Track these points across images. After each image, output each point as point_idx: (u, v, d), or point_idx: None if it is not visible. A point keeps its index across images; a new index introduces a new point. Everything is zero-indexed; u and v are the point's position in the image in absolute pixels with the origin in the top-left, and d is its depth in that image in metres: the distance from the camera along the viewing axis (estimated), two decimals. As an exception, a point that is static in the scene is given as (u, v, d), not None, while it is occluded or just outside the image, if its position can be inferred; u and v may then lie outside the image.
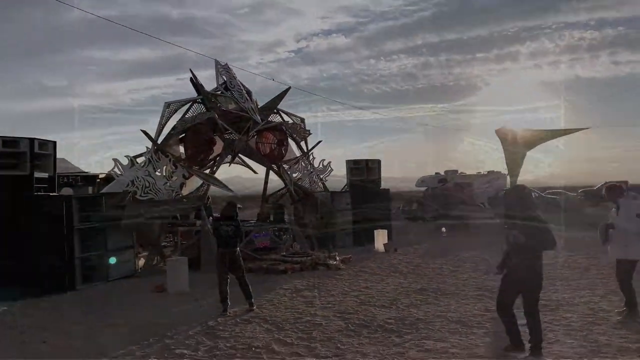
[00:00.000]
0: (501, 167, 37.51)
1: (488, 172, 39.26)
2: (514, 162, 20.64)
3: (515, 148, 20.32)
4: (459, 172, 40.30)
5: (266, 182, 15.74)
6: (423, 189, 35.33)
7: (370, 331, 6.59)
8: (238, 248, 8.01)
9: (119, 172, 11.49)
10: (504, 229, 5.51)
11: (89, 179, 12.84)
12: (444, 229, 18.65)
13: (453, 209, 24.26)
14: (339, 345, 6.03)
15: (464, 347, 5.79)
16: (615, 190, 7.14)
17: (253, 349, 5.95)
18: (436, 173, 39.66)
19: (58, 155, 11.42)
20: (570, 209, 28.23)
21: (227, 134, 13.61)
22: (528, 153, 20.59)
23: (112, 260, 10.72)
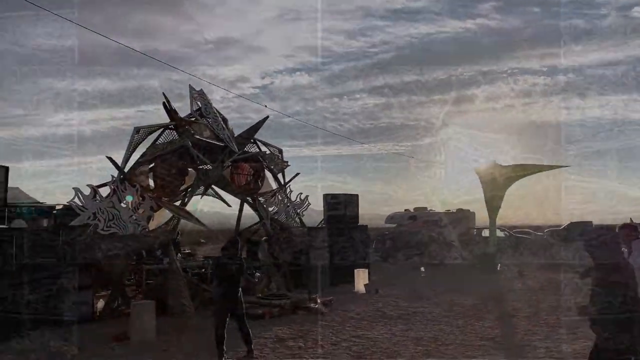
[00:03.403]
0: (469, 205, 37.45)
1: (457, 210, 39.16)
2: (493, 199, 20.53)
3: (495, 186, 20.22)
4: (428, 209, 39.98)
5: (239, 216, 14.73)
6: (392, 225, 34.73)
7: (376, 393, 5.67)
8: (240, 288, 7.33)
9: (79, 203, 10.32)
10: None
11: (45, 210, 11.58)
12: (422, 269, 17.93)
13: (425, 247, 23.74)
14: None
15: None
16: (631, 232, 6.51)
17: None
18: (405, 210, 39.22)
19: (12, 184, 10.19)
20: (541, 249, 28.10)
21: (200, 163, 12.66)
22: (507, 191, 20.57)
23: None
